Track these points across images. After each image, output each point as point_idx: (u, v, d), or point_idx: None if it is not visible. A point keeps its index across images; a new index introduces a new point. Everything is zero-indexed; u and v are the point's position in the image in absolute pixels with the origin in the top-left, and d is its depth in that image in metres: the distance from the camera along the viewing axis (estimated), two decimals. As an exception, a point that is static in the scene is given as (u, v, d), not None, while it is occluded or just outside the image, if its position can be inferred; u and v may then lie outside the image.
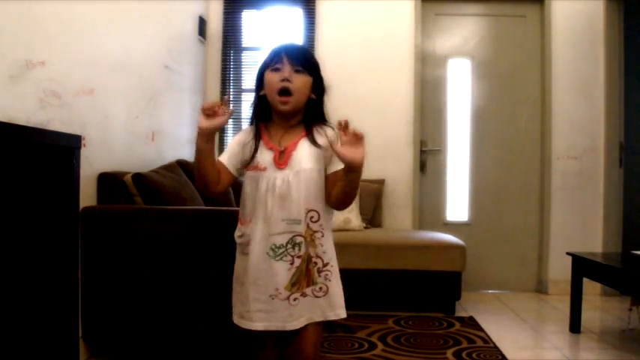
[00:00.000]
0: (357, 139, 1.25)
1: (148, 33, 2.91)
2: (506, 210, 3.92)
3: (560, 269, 3.58)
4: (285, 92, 1.37)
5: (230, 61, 4.01)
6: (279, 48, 1.43)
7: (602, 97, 3.77)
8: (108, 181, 2.32)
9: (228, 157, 1.43)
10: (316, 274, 1.38)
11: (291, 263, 1.35)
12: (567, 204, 3.79)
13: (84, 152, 2.10)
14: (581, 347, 2.61)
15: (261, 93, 1.43)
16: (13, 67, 1.81)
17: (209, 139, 1.34)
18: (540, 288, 3.85)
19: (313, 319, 1.38)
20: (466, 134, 3.96)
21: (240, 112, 4.03)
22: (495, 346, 2.50)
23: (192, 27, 3.66)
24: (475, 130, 3.95)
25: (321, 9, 3.91)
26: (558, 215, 3.79)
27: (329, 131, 1.42)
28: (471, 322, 2.93)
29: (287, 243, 1.35)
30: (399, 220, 3.87)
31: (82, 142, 1.97)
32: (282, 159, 1.37)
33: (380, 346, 2.48)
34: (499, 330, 2.80)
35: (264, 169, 1.38)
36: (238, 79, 4.03)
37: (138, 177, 2.30)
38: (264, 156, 1.39)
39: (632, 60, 3.76)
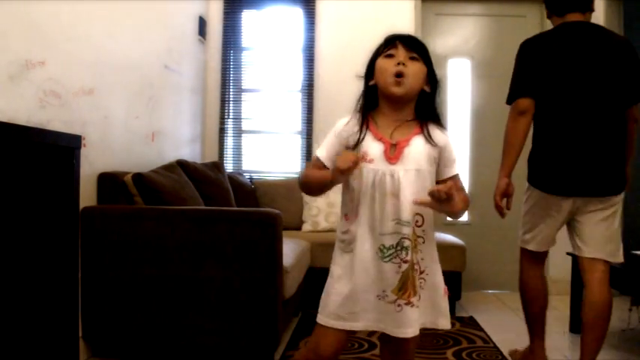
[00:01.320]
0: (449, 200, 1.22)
1: (148, 33, 2.91)
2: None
3: (560, 269, 3.58)
4: (399, 76, 1.31)
5: (230, 61, 4.00)
6: (392, 36, 1.38)
7: (602, 97, 3.77)
8: (108, 181, 2.32)
9: (328, 158, 1.36)
10: (417, 283, 1.32)
11: (399, 267, 1.29)
12: (567, 204, 3.78)
13: (84, 152, 2.10)
14: (581, 347, 2.60)
15: (371, 83, 1.37)
16: (13, 67, 1.81)
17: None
18: (540, 288, 3.84)
19: (417, 331, 1.32)
20: (466, 134, 3.96)
21: (241, 113, 4.03)
22: (495, 346, 2.50)
23: (192, 27, 3.66)
24: (475, 130, 3.95)
25: (321, 9, 3.91)
26: (558, 215, 3.78)
27: (443, 136, 1.36)
28: (471, 322, 2.93)
29: (396, 244, 1.29)
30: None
31: (82, 142, 1.97)
32: (393, 153, 1.31)
33: (379, 345, 2.47)
34: (499, 330, 2.80)
35: (371, 160, 1.30)
36: (238, 79, 4.03)
37: (138, 177, 2.30)
38: (372, 148, 1.31)
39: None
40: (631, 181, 2.37)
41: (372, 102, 1.39)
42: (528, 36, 2.18)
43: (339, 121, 1.39)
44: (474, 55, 3.96)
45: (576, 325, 2.80)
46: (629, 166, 2.20)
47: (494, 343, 2.55)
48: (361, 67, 1.46)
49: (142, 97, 2.85)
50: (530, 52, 2.08)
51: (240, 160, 4.03)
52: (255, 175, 3.93)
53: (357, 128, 1.35)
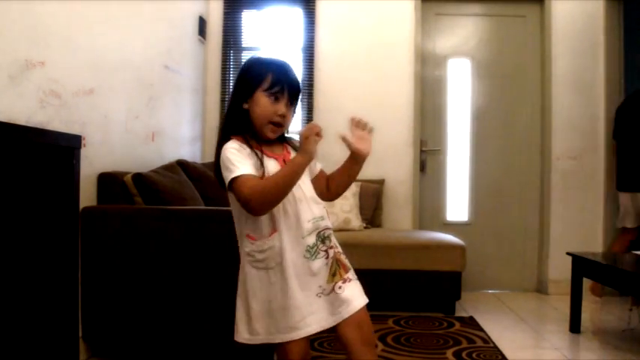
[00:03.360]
0: (368, 133, 1.40)
1: (148, 33, 2.91)
2: (506, 210, 3.92)
3: (560, 269, 3.58)
4: (278, 124, 1.38)
5: (230, 61, 4.01)
6: (281, 74, 1.36)
7: (602, 97, 3.77)
8: (108, 181, 2.32)
9: (255, 170, 1.33)
10: (345, 260, 1.45)
11: (326, 257, 1.39)
12: (567, 204, 3.79)
13: (84, 152, 2.10)
14: (581, 347, 2.61)
15: (245, 107, 1.38)
16: (13, 67, 1.81)
17: None
18: (540, 288, 3.85)
19: (365, 300, 1.43)
20: (466, 134, 3.96)
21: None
22: (495, 346, 2.50)
23: (192, 27, 3.66)
24: (475, 130, 3.95)
25: (321, 9, 3.91)
26: (558, 215, 3.79)
27: (294, 141, 1.47)
28: (471, 322, 2.93)
29: (316, 240, 1.38)
30: (399, 220, 3.87)
31: (82, 142, 1.97)
32: None
33: (380, 346, 2.48)
34: (499, 330, 2.81)
35: None
36: (238, 79, 4.02)
37: (138, 177, 2.30)
38: (270, 166, 1.36)
39: (632, 60, 3.76)
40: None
41: (244, 122, 1.39)
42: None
43: (231, 145, 1.34)
44: (474, 55, 3.96)
45: (576, 325, 2.80)
46: None
47: (494, 343, 2.55)
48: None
49: (142, 97, 2.85)
50: None
51: (240, 160, 4.02)
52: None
53: (248, 151, 1.35)
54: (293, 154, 1.42)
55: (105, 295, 2.16)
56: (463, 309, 3.27)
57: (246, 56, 4.05)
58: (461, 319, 2.98)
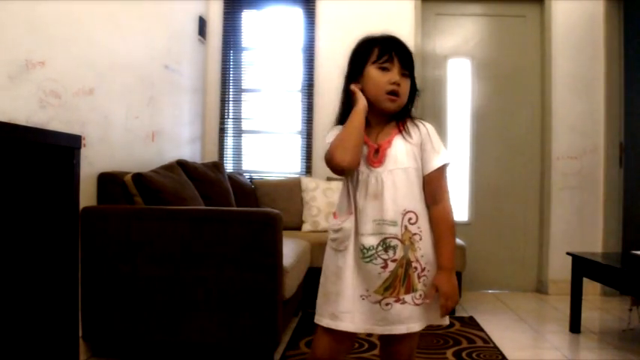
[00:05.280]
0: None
1: (148, 33, 2.91)
2: (506, 210, 3.92)
3: (560, 269, 3.58)
4: (393, 94, 1.32)
5: (230, 61, 4.00)
6: (388, 44, 1.34)
7: (602, 97, 3.77)
8: (108, 181, 2.32)
9: None
10: (416, 281, 1.31)
11: (384, 267, 1.29)
12: (567, 204, 3.79)
13: (84, 152, 2.10)
14: (581, 347, 2.61)
15: (359, 87, 1.36)
16: (13, 67, 1.81)
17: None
18: (540, 288, 3.85)
19: (412, 328, 1.32)
20: (466, 134, 3.96)
21: (241, 113, 4.03)
22: (495, 346, 2.50)
23: (192, 27, 3.66)
24: (475, 130, 3.95)
25: (321, 9, 3.91)
26: (558, 215, 3.79)
27: (422, 128, 1.36)
28: (471, 322, 2.93)
29: (378, 245, 1.29)
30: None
31: (82, 142, 1.97)
32: (376, 157, 1.33)
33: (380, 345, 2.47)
34: (499, 330, 2.80)
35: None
36: (238, 79, 4.03)
37: (138, 177, 2.30)
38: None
39: (632, 60, 3.76)
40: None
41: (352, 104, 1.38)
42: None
43: (330, 134, 1.39)
44: (474, 55, 3.96)
45: (576, 325, 2.80)
46: None
47: (494, 343, 2.55)
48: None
49: (142, 97, 2.85)
50: None
51: (240, 160, 4.03)
52: (255, 175, 3.93)
53: None
54: (414, 130, 1.35)
55: (105, 295, 2.16)
56: (463, 309, 3.27)
57: (246, 56, 4.05)
58: (461, 319, 2.98)
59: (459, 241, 3.21)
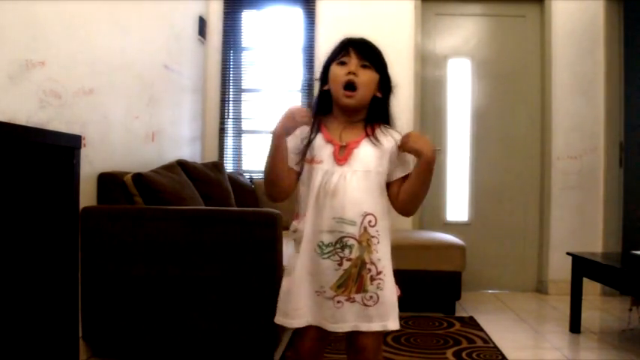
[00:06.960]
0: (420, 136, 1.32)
1: (148, 33, 2.91)
2: (506, 210, 3.92)
3: (560, 269, 3.58)
4: (350, 87, 1.32)
5: (230, 61, 4.01)
6: (346, 41, 1.37)
7: (602, 97, 3.77)
8: (108, 181, 2.32)
9: (292, 152, 1.37)
10: (368, 282, 1.32)
11: (339, 264, 1.31)
12: (567, 204, 3.79)
13: (84, 152, 2.10)
14: (581, 347, 2.61)
15: (325, 88, 1.39)
16: (13, 67, 1.81)
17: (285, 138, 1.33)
18: (540, 288, 3.85)
19: (359, 327, 1.33)
20: (466, 134, 3.96)
21: (241, 113, 4.03)
22: (495, 346, 2.50)
23: (192, 27, 3.66)
24: (475, 130, 3.95)
25: (321, 9, 3.92)
26: (558, 215, 3.79)
27: (396, 135, 1.38)
28: (471, 322, 2.93)
29: (335, 242, 1.30)
30: (399, 220, 3.85)
31: (82, 142, 1.97)
32: (342, 154, 1.33)
33: (380, 346, 2.47)
34: (499, 330, 2.80)
35: (321, 162, 1.33)
36: (238, 79, 4.03)
37: (138, 177, 2.30)
38: (322, 149, 1.34)
39: (632, 60, 3.76)
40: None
41: (327, 105, 1.41)
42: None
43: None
44: (474, 55, 3.96)
45: (576, 325, 2.80)
46: None
47: (494, 343, 2.55)
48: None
49: (142, 97, 2.85)
50: None
51: (240, 160, 4.03)
52: (255, 175, 3.93)
53: (308, 130, 1.37)
54: (386, 136, 1.37)
55: (105, 295, 2.16)
56: (463, 309, 3.27)
57: (246, 56, 4.05)
58: (461, 319, 2.98)
59: (458, 241, 3.22)
